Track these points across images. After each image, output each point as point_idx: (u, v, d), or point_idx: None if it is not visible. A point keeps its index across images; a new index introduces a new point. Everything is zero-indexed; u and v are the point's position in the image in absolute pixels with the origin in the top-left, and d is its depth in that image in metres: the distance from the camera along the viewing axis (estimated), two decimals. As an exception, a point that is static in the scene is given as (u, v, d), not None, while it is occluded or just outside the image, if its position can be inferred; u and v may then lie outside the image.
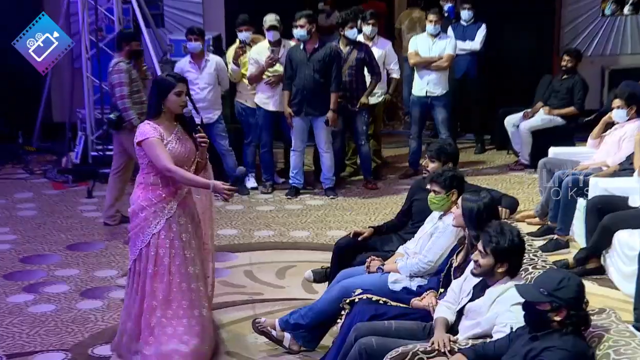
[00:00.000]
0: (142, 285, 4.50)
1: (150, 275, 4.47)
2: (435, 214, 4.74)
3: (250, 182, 8.29)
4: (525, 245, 3.76)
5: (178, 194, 4.51)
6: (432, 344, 3.70)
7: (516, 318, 3.50)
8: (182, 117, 4.53)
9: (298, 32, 7.66)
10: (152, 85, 4.63)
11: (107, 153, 8.64)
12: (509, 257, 3.66)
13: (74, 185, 8.51)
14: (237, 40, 8.15)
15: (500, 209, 4.87)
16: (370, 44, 8.29)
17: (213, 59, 7.95)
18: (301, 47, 7.72)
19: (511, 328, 3.50)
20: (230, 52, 8.15)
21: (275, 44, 7.92)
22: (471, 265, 3.82)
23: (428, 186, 4.69)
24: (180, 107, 4.48)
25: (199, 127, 4.60)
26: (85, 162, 8.85)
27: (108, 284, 5.97)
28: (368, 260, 4.80)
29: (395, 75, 8.50)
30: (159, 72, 8.44)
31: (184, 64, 7.93)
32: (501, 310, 3.61)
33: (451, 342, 3.70)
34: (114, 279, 6.04)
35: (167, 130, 4.45)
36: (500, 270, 3.67)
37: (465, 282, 3.92)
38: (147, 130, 4.41)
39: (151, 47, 8.67)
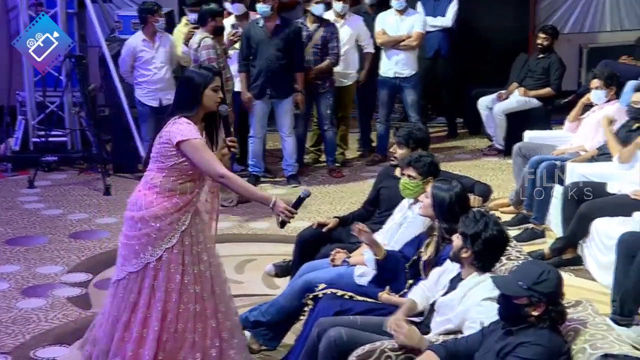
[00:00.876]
0: (144, 301, 4.19)
1: (160, 293, 4.19)
2: (405, 202, 4.76)
3: None
4: (505, 239, 3.74)
5: (192, 202, 4.24)
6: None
7: (486, 313, 3.54)
8: (212, 116, 4.27)
9: (261, 7, 7.60)
10: (184, 79, 4.34)
11: (50, 139, 8.56)
12: (476, 243, 3.66)
13: (14, 175, 8.42)
14: (184, 21, 8.11)
15: (472, 197, 4.93)
16: (341, 21, 8.29)
17: (167, 36, 7.91)
18: (260, 24, 7.68)
19: (481, 323, 3.54)
20: (177, 33, 8.09)
21: (241, 18, 7.88)
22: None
23: (402, 171, 4.69)
24: (216, 105, 4.21)
25: (231, 128, 4.36)
26: (25, 150, 8.74)
27: (52, 281, 5.92)
28: (333, 252, 4.82)
29: (370, 49, 8.49)
30: (106, 52, 8.36)
31: (136, 42, 7.86)
32: (471, 305, 3.65)
33: (407, 330, 3.67)
34: (59, 275, 5.99)
35: (200, 132, 4.18)
36: (464, 255, 3.70)
37: (443, 276, 3.96)
38: (190, 130, 4.09)
39: (97, 24, 8.56)
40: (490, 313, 3.50)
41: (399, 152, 5.06)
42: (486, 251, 3.69)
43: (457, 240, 3.74)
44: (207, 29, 7.29)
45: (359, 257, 4.69)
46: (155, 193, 4.17)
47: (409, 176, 4.61)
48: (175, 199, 4.17)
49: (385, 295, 4.30)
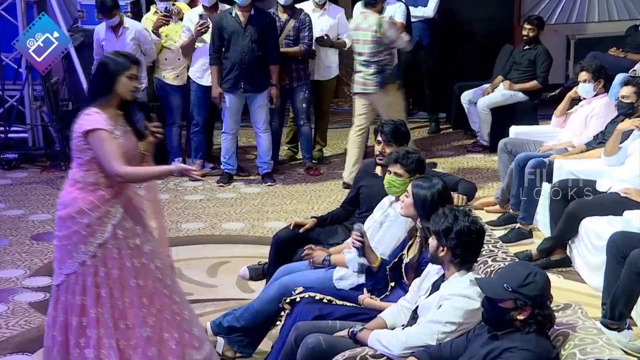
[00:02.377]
0: (92, 301, 4.21)
1: (105, 289, 4.22)
2: (386, 201, 4.79)
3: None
4: (481, 233, 3.75)
5: (123, 194, 4.29)
6: None
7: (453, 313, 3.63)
8: (128, 105, 4.31)
9: None
10: (99, 67, 4.36)
11: (10, 136, 8.49)
12: (449, 238, 3.68)
13: (-29, 173, 8.36)
14: (153, 9, 8.09)
15: (456, 196, 4.97)
16: (320, 12, 8.31)
17: (132, 26, 7.88)
18: (233, 14, 7.68)
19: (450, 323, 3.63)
20: (145, 22, 8.08)
21: (211, 9, 7.87)
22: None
23: (388, 168, 4.69)
24: (131, 94, 4.26)
25: (153, 114, 4.43)
26: (-18, 146, 8.68)
27: (13, 285, 5.89)
28: (308, 248, 4.83)
29: (348, 42, 8.51)
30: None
31: (99, 30, 7.82)
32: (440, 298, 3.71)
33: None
34: (20, 279, 5.96)
35: (114, 121, 4.22)
36: (441, 254, 3.73)
37: (425, 280, 3.99)
38: (98, 120, 4.13)
39: (59, 13, 8.51)
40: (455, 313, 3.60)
41: (388, 149, 5.07)
42: (461, 245, 3.70)
43: (432, 240, 3.78)
44: (378, 9, 7.58)
45: (340, 257, 4.70)
46: (79, 189, 4.22)
47: (396, 173, 4.62)
48: (100, 191, 4.22)
49: (367, 300, 4.32)
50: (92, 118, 4.16)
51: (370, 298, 4.31)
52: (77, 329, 4.22)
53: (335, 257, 4.73)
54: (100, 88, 4.26)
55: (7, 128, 8.44)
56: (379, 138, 5.17)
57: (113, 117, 4.22)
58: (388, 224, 4.64)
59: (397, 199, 4.59)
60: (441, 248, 3.73)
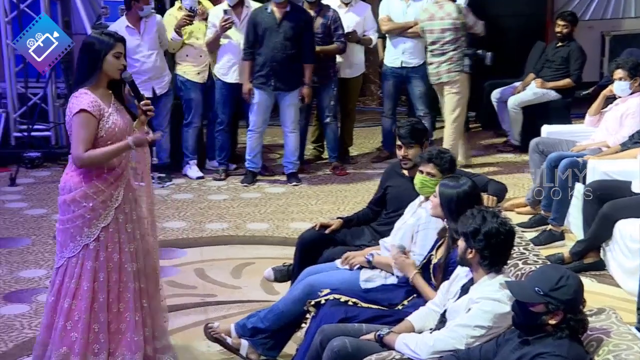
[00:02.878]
0: (88, 286, 4.35)
1: (103, 274, 4.36)
2: (416, 201, 4.77)
3: (194, 171, 8.27)
4: (510, 234, 3.72)
5: (123, 176, 4.42)
6: None
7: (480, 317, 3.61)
8: (117, 84, 4.43)
9: None
10: (83, 46, 4.44)
11: (33, 134, 8.57)
12: (477, 240, 3.66)
13: (-6, 172, 8.44)
14: (177, 4, 8.12)
15: (486, 196, 4.93)
16: (345, 8, 8.30)
17: (152, 19, 7.92)
18: (268, 10, 7.67)
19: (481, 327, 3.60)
20: (168, 17, 8.10)
21: (235, 6, 7.89)
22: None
23: (419, 167, 4.66)
24: (119, 72, 4.36)
25: (142, 93, 4.53)
26: (6, 145, 8.78)
27: (36, 285, 5.93)
28: (346, 256, 4.79)
29: (375, 38, 8.49)
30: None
31: (118, 29, 7.86)
32: (469, 301, 3.68)
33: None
34: (43, 279, 6.00)
35: (105, 100, 4.34)
36: (470, 256, 3.71)
37: (453, 283, 3.97)
38: (83, 101, 4.25)
39: (82, 10, 8.58)
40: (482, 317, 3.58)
41: (411, 152, 5.03)
42: (489, 247, 3.67)
43: (460, 242, 3.77)
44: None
45: (383, 258, 4.63)
46: (81, 173, 4.33)
47: (428, 173, 4.60)
48: (104, 174, 4.34)
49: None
50: (78, 100, 4.27)
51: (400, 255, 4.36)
52: (66, 312, 4.34)
53: (379, 258, 4.69)
54: (87, 68, 4.35)
55: (30, 126, 8.53)
56: (398, 142, 5.11)
57: (104, 96, 4.34)
58: (423, 230, 4.58)
59: (427, 199, 4.57)
60: (469, 250, 3.71)
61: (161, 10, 8.67)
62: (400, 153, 5.13)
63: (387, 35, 8.48)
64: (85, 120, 4.24)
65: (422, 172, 4.64)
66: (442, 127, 9.62)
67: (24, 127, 8.67)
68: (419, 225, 4.60)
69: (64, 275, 4.38)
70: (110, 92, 4.40)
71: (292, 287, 4.98)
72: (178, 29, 7.91)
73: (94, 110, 4.24)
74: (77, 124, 4.25)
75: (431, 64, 8.04)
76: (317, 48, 7.91)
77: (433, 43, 7.93)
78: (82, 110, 4.23)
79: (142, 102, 4.46)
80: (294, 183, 8.02)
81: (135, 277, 4.48)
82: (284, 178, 8.15)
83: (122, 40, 4.41)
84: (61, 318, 4.35)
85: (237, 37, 7.87)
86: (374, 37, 8.44)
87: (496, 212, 3.78)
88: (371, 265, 4.68)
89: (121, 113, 4.40)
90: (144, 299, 4.52)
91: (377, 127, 9.25)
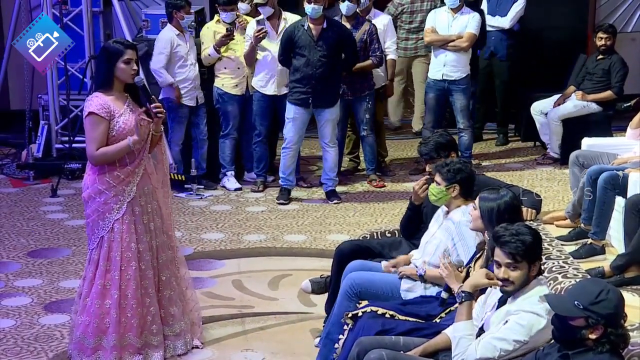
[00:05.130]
0: (104, 274, 4.76)
1: (117, 264, 4.74)
2: (440, 212, 4.78)
3: (231, 183, 8.30)
4: (535, 234, 3.74)
5: (136, 172, 4.78)
6: None
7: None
8: (133, 87, 4.76)
9: (311, 7, 7.49)
10: (99, 53, 4.91)
11: (74, 145, 8.67)
12: (537, 254, 3.69)
13: (36, 183, 8.54)
14: (216, 18, 8.18)
15: (525, 209, 4.91)
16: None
17: (190, 33, 8.06)
18: (305, 26, 7.63)
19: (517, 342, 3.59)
20: (206, 31, 8.15)
21: (272, 18, 7.92)
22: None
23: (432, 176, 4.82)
24: (131, 76, 4.72)
25: (153, 96, 4.81)
26: (48, 156, 8.88)
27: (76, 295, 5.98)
28: (396, 263, 4.85)
29: (393, 56, 8.44)
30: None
31: (171, 35, 7.91)
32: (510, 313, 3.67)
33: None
34: (82, 290, 6.06)
35: (119, 102, 4.74)
36: (534, 273, 3.70)
37: (490, 296, 3.95)
38: (94, 104, 4.66)
39: (124, 23, 8.69)
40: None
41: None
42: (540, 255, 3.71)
43: (522, 266, 3.72)
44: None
45: (436, 272, 4.59)
46: (96, 171, 4.75)
47: (436, 182, 4.71)
48: (115, 172, 4.74)
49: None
50: (89, 103, 4.69)
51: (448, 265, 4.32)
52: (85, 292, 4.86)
53: (431, 272, 4.65)
54: (101, 74, 4.80)
55: (72, 138, 8.62)
56: (423, 158, 5.21)
57: (118, 98, 4.74)
58: (459, 239, 4.56)
59: (451, 209, 4.64)
60: (532, 268, 3.71)
61: (201, 23, 8.76)
62: (427, 169, 5.17)
63: (429, 46, 8.48)
64: (94, 122, 4.65)
65: (434, 181, 4.74)
66: (484, 140, 9.65)
67: (65, 138, 8.77)
68: (452, 239, 4.59)
69: (87, 267, 4.86)
70: (127, 94, 4.79)
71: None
72: (217, 47, 7.96)
73: (102, 112, 4.63)
74: (88, 125, 4.68)
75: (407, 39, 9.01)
76: (357, 66, 7.89)
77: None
78: (90, 113, 4.65)
79: (152, 105, 4.76)
80: (335, 201, 7.92)
81: (155, 266, 4.87)
82: (321, 190, 8.14)
83: (133, 47, 4.76)
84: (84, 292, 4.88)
85: (274, 49, 7.89)
86: (394, 54, 8.40)
87: (531, 226, 3.77)
88: (422, 279, 4.67)
89: (136, 113, 4.74)
90: (156, 287, 4.89)
91: (416, 139, 9.21)
